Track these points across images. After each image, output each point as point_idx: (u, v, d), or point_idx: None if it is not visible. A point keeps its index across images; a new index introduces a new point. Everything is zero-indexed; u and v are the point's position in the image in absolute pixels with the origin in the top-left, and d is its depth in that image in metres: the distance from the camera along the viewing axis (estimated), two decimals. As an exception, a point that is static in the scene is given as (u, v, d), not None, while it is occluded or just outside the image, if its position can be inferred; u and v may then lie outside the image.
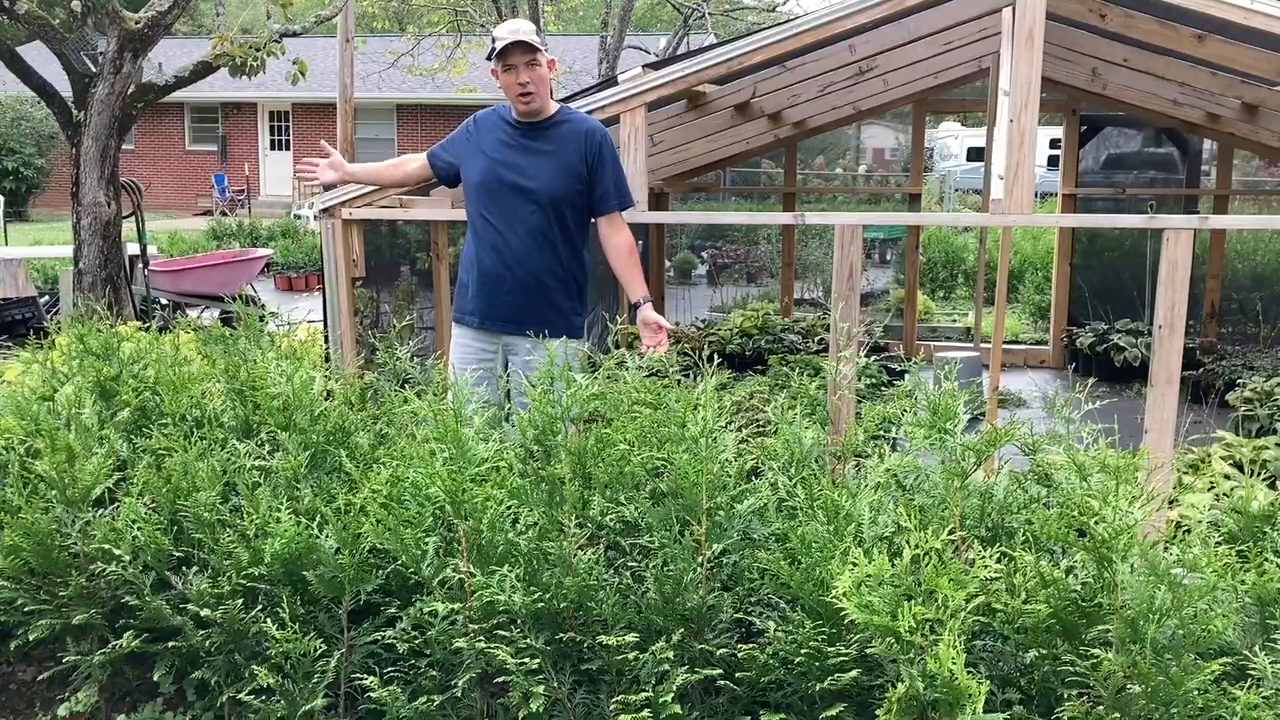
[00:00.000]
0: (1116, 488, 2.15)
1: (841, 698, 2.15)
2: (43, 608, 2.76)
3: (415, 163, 3.94)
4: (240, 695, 2.51)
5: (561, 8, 19.98)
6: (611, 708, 2.24)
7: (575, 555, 2.33)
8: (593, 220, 3.76)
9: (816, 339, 8.32)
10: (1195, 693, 1.95)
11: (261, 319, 3.69)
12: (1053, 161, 18.92)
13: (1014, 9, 4.01)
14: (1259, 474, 3.61)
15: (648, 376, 3.01)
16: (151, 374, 3.46)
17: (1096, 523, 2.06)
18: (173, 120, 27.01)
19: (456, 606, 2.35)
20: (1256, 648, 2.09)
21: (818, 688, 2.12)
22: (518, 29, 3.55)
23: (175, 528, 2.76)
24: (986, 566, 2.06)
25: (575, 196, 3.63)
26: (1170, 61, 6.33)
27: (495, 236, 3.63)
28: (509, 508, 2.41)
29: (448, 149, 3.84)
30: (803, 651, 2.12)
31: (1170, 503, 4.03)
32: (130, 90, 6.93)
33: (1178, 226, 3.70)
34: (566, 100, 4.47)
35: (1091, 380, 3.20)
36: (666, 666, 2.22)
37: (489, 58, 3.58)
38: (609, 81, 5.36)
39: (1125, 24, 4.94)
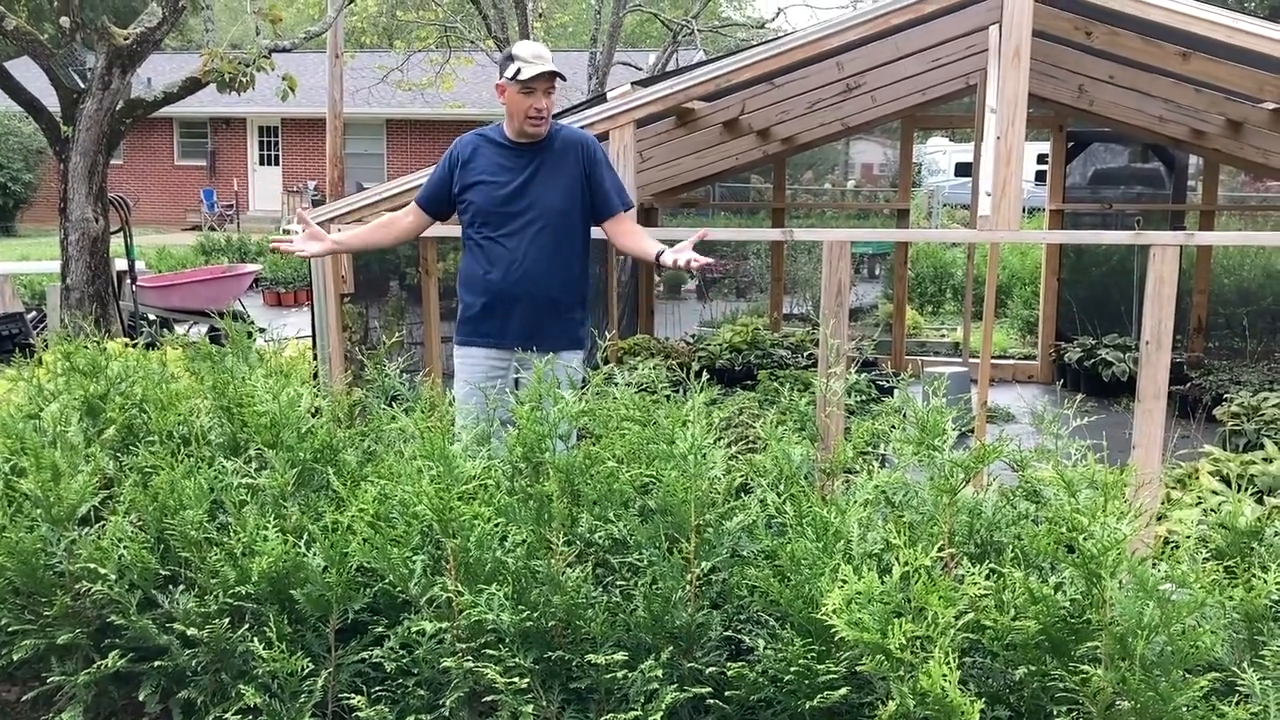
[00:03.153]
0: (1105, 503, 2.16)
1: (832, 715, 2.15)
2: (27, 627, 2.73)
3: (409, 218, 3.90)
4: (227, 715, 2.49)
5: (551, 24, 20.03)
6: (600, 726, 2.23)
7: (563, 573, 2.33)
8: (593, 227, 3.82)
9: (806, 354, 8.33)
10: (1184, 709, 1.95)
11: (249, 335, 3.67)
12: (1040, 177, 19.02)
13: (1001, 26, 4.04)
14: (1246, 489, 3.62)
15: (637, 392, 3.01)
16: (138, 391, 3.44)
17: (1085, 539, 2.07)
18: (161, 135, 26.96)
19: (444, 625, 2.34)
20: (1245, 664, 2.09)
21: (808, 706, 2.11)
22: (544, 55, 3.60)
23: (162, 546, 2.74)
24: (976, 583, 2.06)
25: (580, 209, 3.72)
26: (1156, 78, 6.38)
27: (507, 255, 3.65)
28: (497, 525, 2.40)
29: (436, 190, 3.81)
30: (792, 669, 2.12)
31: (1158, 518, 4.04)
32: (119, 106, 6.92)
33: (1164, 242, 3.72)
34: (557, 116, 4.48)
35: (1079, 395, 3.21)
36: (655, 685, 2.21)
37: (513, 78, 3.58)
38: (598, 98, 5.38)
39: (1111, 41, 4.98)
